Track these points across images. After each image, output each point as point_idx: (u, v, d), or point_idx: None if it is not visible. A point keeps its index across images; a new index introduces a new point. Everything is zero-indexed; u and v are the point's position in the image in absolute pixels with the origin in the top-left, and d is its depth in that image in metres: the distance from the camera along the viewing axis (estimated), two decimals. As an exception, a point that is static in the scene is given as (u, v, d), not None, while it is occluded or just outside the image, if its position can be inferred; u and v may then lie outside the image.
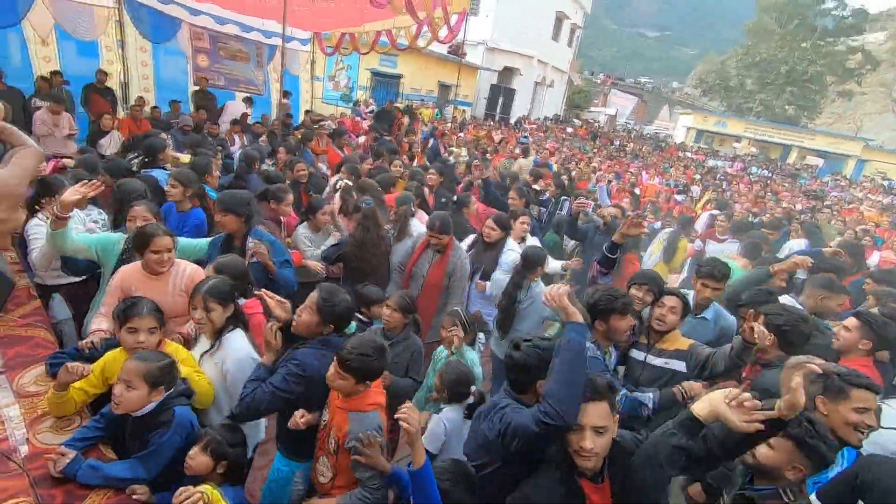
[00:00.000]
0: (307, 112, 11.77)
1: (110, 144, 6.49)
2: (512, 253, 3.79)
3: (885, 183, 24.68)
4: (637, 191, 11.28)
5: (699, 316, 3.04)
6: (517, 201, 5.05)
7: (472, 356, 2.84)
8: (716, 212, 7.39)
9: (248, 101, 10.22)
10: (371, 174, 5.33)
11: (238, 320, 2.29)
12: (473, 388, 2.34)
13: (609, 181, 11.60)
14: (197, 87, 9.55)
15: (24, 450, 1.85)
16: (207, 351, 2.26)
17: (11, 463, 1.76)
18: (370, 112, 14.01)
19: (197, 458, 1.85)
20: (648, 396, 2.31)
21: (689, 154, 26.43)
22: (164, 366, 1.89)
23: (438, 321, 3.46)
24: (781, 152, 33.58)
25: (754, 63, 42.48)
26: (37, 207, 2.96)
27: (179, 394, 1.97)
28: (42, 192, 2.98)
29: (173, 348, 2.18)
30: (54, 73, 7.47)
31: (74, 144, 6.32)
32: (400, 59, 18.55)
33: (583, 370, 1.59)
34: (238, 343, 2.24)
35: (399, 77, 19.31)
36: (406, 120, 12.14)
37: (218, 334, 2.24)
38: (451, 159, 9.45)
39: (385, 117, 11.98)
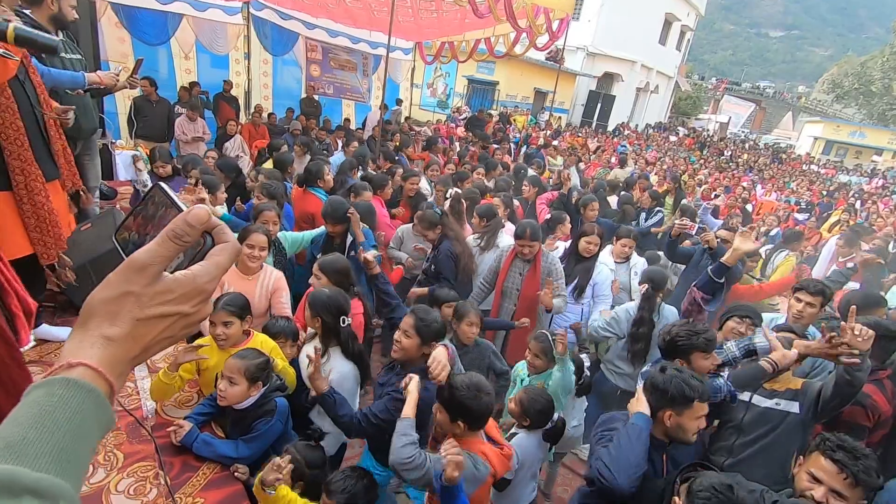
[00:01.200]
0: (406, 119, 12.25)
1: (234, 147, 7.24)
2: (605, 268, 3.62)
3: None
4: (749, 207, 10.29)
5: None
6: (593, 213, 4.88)
7: (569, 378, 2.68)
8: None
9: (384, 107, 11.12)
10: (448, 179, 5.41)
11: (337, 337, 2.36)
12: (556, 416, 2.26)
13: (716, 195, 10.70)
14: (304, 96, 10.34)
15: (153, 419, 2.12)
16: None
17: (143, 429, 2.03)
18: (463, 119, 14.25)
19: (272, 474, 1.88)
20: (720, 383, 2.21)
21: (815, 167, 23.57)
22: (261, 363, 2.05)
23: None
24: (936, 168, 28.71)
25: (905, 64, 36.81)
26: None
27: (276, 388, 2.15)
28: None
29: (260, 340, 2.35)
30: (193, 83, 8.51)
31: (204, 146, 7.14)
32: (497, 66, 18.64)
33: (639, 450, 1.71)
34: (339, 362, 2.34)
35: (495, 84, 19.41)
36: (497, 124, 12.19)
37: (325, 344, 2.35)
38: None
39: (477, 123, 12.12)
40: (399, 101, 12.04)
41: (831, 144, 32.56)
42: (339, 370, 2.30)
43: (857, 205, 14.40)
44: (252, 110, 8.90)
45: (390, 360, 2.34)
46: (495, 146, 9.69)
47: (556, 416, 2.26)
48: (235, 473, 1.94)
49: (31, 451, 0.40)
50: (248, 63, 9.85)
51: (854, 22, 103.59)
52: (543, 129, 16.11)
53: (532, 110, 20.23)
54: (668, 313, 3.16)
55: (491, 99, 19.22)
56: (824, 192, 15.26)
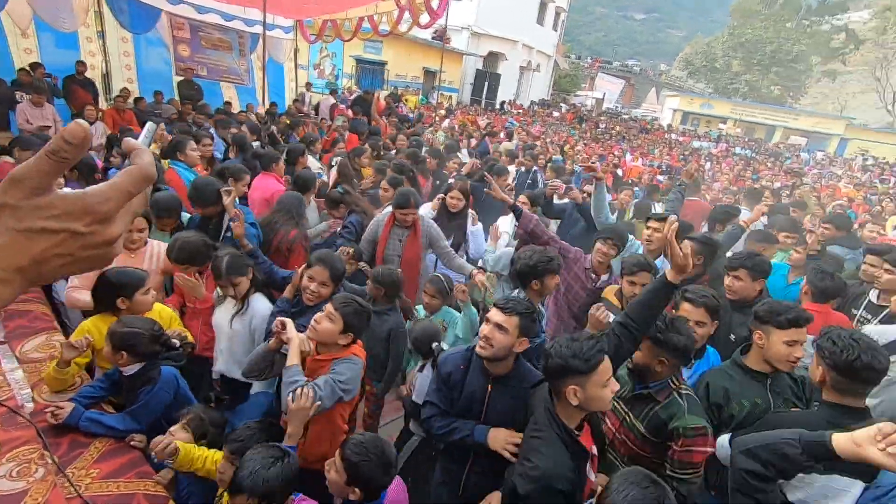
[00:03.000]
0: (294, 101, 11.83)
1: (96, 135, 6.56)
2: (478, 228, 3.96)
3: (862, 159, 25.13)
4: (620, 172, 11.51)
5: None
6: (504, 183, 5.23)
7: (473, 311, 3.01)
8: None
9: (333, 93, 10.82)
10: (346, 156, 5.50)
11: (256, 284, 2.61)
12: (434, 345, 2.47)
13: (593, 162, 11.85)
14: (181, 78, 9.57)
15: (30, 406, 2.03)
16: (236, 314, 2.54)
17: (19, 417, 1.94)
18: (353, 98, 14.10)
19: (177, 435, 1.95)
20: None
21: (674, 136, 26.66)
22: (126, 334, 1.99)
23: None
24: (766, 133, 33.92)
25: (740, 44, 42.63)
26: None
27: (167, 357, 2.16)
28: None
29: (158, 310, 2.38)
30: (34, 64, 7.48)
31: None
32: (384, 46, 18.51)
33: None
34: (262, 304, 2.59)
35: (383, 64, 19.28)
36: (383, 103, 12.28)
37: (244, 298, 2.54)
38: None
39: (361, 103, 12.10)
40: (308, 86, 12.02)
41: (687, 115, 36.90)
42: (261, 313, 2.52)
43: (707, 165, 16.72)
44: (115, 94, 8.07)
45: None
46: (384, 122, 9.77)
47: (434, 344, 2.47)
48: (132, 443, 1.95)
49: None
50: (104, 42, 8.86)
51: (703, 6, 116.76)
52: (436, 109, 16.44)
53: (423, 90, 20.46)
54: None
55: (381, 79, 19.08)
56: (681, 157, 17.45)
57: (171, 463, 1.84)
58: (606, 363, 1.62)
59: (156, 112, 8.21)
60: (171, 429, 1.99)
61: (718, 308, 2.33)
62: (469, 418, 2.02)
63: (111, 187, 0.52)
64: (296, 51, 12.52)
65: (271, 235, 3.40)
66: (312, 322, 2.05)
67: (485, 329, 1.88)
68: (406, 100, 16.54)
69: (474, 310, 3.00)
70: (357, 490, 1.63)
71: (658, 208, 5.91)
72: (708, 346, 2.43)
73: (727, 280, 2.76)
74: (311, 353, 2.10)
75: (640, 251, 3.45)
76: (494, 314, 1.88)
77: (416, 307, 3.20)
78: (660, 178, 12.37)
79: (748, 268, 2.67)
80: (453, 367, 2.06)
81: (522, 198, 4.16)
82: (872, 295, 3.16)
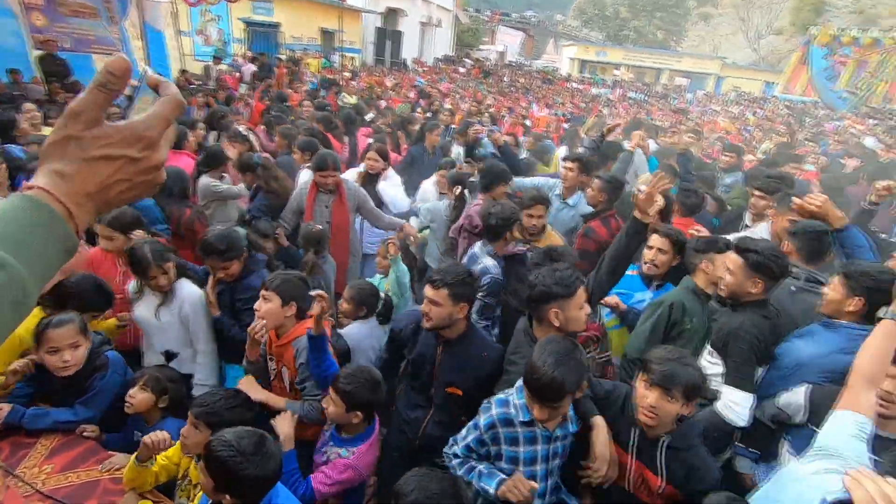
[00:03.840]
0: (183, 72, 10.81)
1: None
2: (391, 182, 4.09)
3: (735, 95, 28.03)
4: (528, 122, 11.94)
5: (564, 201, 3.60)
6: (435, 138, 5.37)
7: (403, 267, 3.09)
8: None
9: (254, 59, 10.30)
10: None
11: (181, 271, 2.49)
12: (382, 294, 2.63)
13: (503, 116, 12.18)
14: (42, 52, 8.36)
15: (-45, 418, 1.89)
16: (162, 303, 2.39)
17: (-55, 430, 1.81)
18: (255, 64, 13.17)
19: (138, 396, 1.97)
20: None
21: (574, 85, 27.80)
22: (82, 318, 2.01)
23: (353, 263, 3.64)
24: (655, 76, 36.39)
25: (626, -11, 44.77)
26: None
27: (102, 342, 2.10)
28: None
29: None
30: None
31: None
32: (276, 6, 17.22)
33: None
34: (189, 289, 2.46)
35: (276, 26, 17.98)
36: (284, 69, 11.68)
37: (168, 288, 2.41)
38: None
39: (266, 69, 11.39)
40: (217, 59, 11.65)
41: (585, 64, 38.47)
42: (191, 299, 2.41)
43: (605, 111, 17.77)
44: (-41, 76, 6.92)
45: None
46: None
47: (382, 294, 2.62)
48: (84, 434, 1.89)
49: None
50: (-69, 14, 7.47)
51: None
52: (341, 71, 15.77)
53: (323, 52, 19.45)
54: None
55: (275, 42, 17.79)
56: (582, 105, 18.37)
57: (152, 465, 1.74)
58: (582, 289, 1.87)
59: (16, 94, 7.17)
60: (130, 391, 1.97)
61: (682, 242, 2.63)
62: (421, 377, 2.17)
63: (153, 116, 0.58)
64: (174, 15, 11.36)
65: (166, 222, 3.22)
66: (256, 315, 2.06)
67: (423, 305, 2.06)
68: (307, 64, 15.68)
69: (404, 267, 3.09)
70: (359, 413, 1.83)
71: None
72: (668, 283, 2.71)
73: None
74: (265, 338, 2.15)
75: (558, 188, 3.74)
76: (426, 290, 2.03)
77: (369, 278, 3.24)
78: (565, 126, 13.06)
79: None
80: (403, 324, 2.25)
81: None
82: (747, 218, 3.59)
